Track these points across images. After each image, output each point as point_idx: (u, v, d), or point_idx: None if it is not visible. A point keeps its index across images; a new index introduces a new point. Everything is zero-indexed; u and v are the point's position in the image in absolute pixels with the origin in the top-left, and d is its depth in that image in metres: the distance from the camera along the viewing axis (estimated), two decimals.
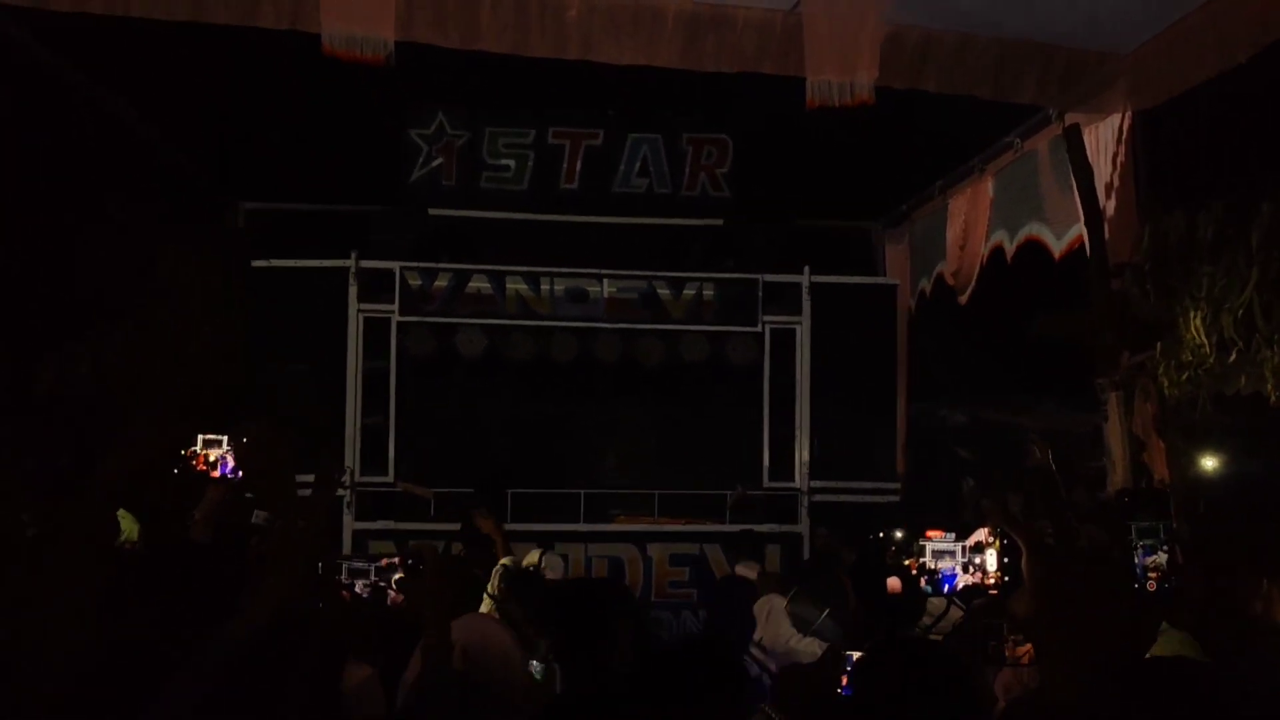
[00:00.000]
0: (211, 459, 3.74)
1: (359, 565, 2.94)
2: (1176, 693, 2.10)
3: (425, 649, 2.52)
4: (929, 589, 1.97)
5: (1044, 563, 1.68)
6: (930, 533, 1.80)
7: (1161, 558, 2.56)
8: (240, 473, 3.84)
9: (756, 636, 5.03)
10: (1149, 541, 2.58)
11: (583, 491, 8.86)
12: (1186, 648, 2.95)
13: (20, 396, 6.78)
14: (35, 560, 2.52)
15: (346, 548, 8.25)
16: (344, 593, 2.95)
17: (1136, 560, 2.52)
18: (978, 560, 1.85)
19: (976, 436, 11.25)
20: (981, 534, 1.83)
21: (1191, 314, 5.10)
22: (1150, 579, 2.55)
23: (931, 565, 1.96)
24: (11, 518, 4.13)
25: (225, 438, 3.91)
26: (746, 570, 6.69)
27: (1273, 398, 5.06)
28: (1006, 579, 1.77)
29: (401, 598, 2.60)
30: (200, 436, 4.05)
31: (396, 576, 2.69)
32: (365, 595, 2.76)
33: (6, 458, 5.74)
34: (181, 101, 7.81)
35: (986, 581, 1.86)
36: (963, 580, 1.91)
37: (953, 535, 1.85)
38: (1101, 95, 6.35)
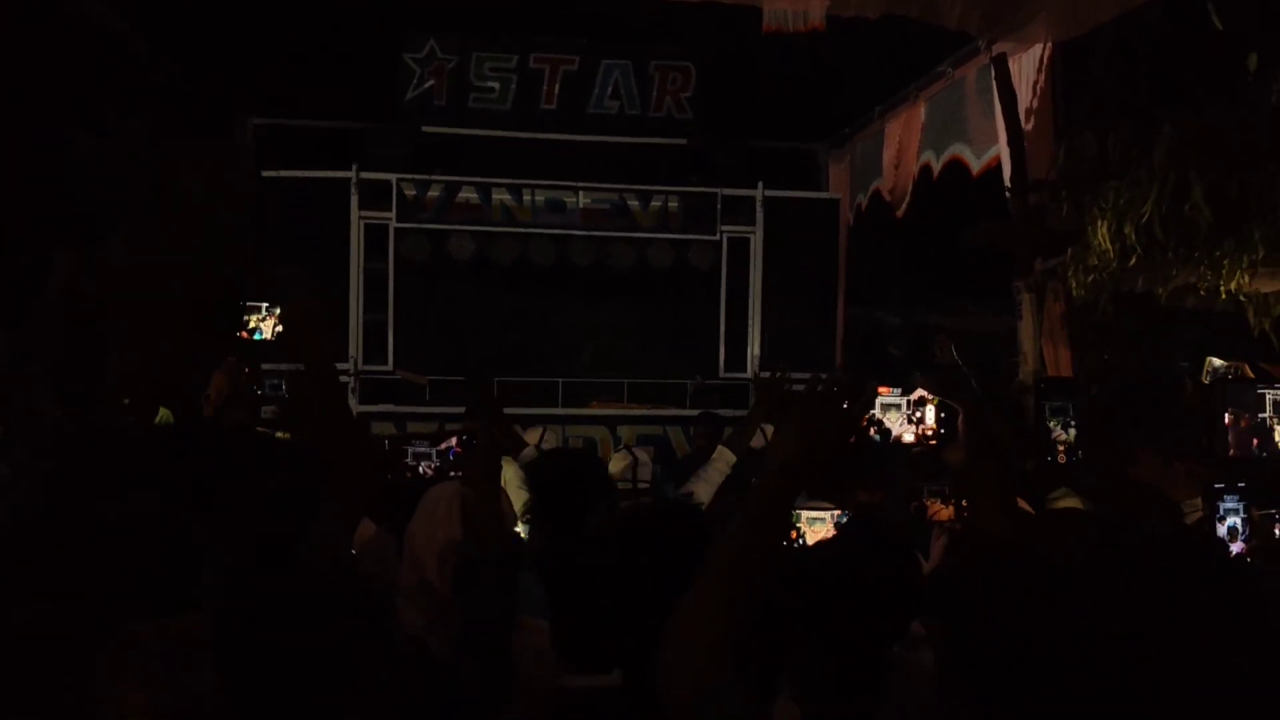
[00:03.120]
0: (252, 325, 3.68)
1: (422, 449, 2.90)
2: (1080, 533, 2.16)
3: (478, 515, 2.49)
4: (878, 438, 1.99)
5: (976, 421, 1.71)
6: (880, 389, 1.81)
7: (1070, 434, 2.61)
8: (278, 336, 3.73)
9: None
10: (1059, 420, 2.63)
11: (560, 380, 8.91)
12: (1080, 505, 3.03)
13: (29, 298, 6.65)
14: None
15: None
16: (408, 473, 2.90)
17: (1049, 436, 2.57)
18: (918, 414, 1.87)
19: (906, 335, 11.33)
20: (923, 391, 1.86)
21: (1100, 223, 5.12)
22: (1059, 452, 2.60)
23: (880, 416, 1.98)
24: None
25: (265, 305, 3.81)
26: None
27: (1163, 298, 5.12)
28: (943, 431, 1.79)
29: (461, 474, 2.58)
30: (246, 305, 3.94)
31: (455, 455, 2.66)
32: (429, 476, 2.73)
33: (19, 357, 5.65)
34: (198, 26, 7.60)
35: (926, 432, 1.88)
36: (907, 431, 1.93)
37: (899, 390, 1.86)
38: (1026, 28, 6.28)
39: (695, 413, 8.36)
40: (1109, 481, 3.01)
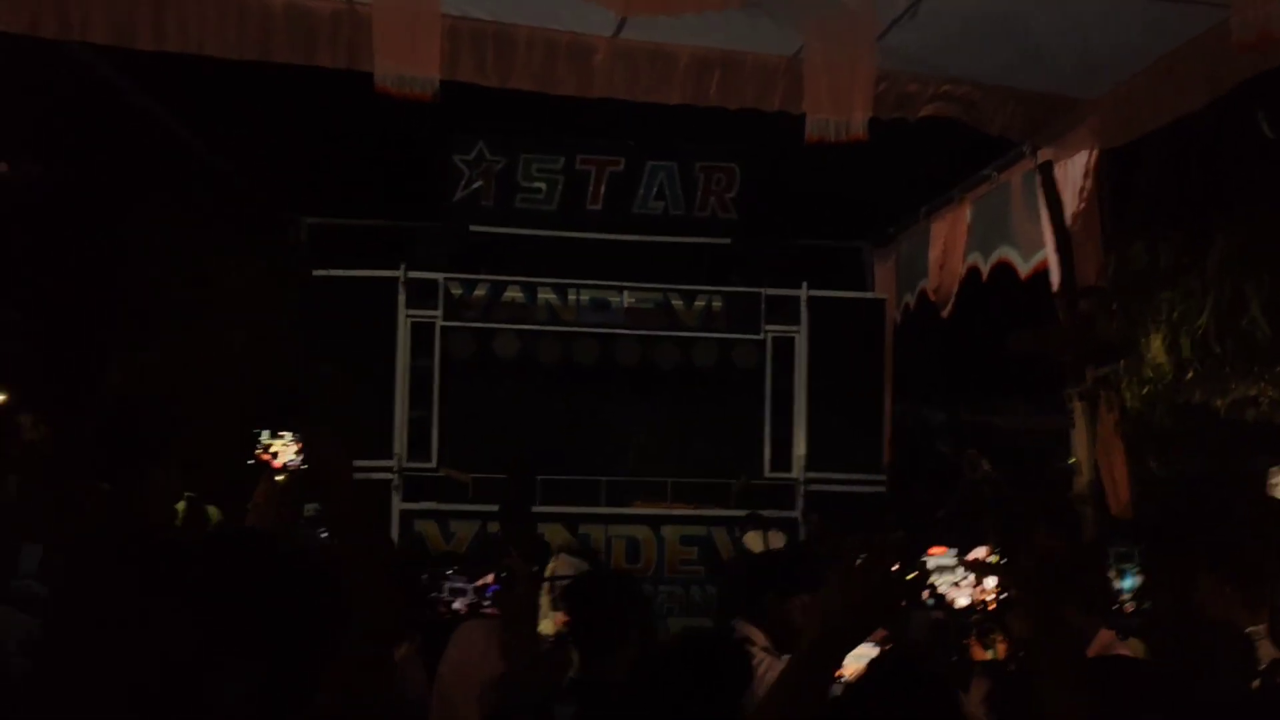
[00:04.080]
0: (274, 451, 3.64)
1: (459, 585, 2.82)
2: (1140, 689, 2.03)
3: (514, 657, 2.43)
4: (931, 603, 1.86)
5: (1035, 590, 1.61)
6: (932, 550, 1.69)
7: (1137, 580, 2.48)
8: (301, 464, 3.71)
9: None
10: (1127, 566, 2.50)
11: (604, 479, 8.82)
12: (1142, 653, 2.87)
13: (88, 395, 6.71)
14: None
15: (394, 527, 8.22)
16: (442, 608, 2.81)
17: (1114, 584, 2.44)
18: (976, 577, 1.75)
19: (954, 433, 11.14)
20: (981, 551, 1.74)
21: (1153, 335, 5.00)
22: (1125, 603, 2.47)
23: (933, 580, 1.84)
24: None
25: (290, 434, 3.80)
26: (752, 542, 6.52)
27: (1222, 410, 4.96)
28: (1004, 596, 1.68)
29: (496, 612, 2.50)
30: (265, 431, 3.95)
31: (492, 590, 2.58)
32: (464, 612, 2.64)
33: (77, 453, 5.68)
34: (253, 127, 7.80)
35: (985, 597, 1.76)
36: (963, 596, 1.81)
37: (954, 551, 1.74)
38: (1072, 134, 6.24)
39: (741, 514, 8.22)
40: (1172, 620, 2.87)
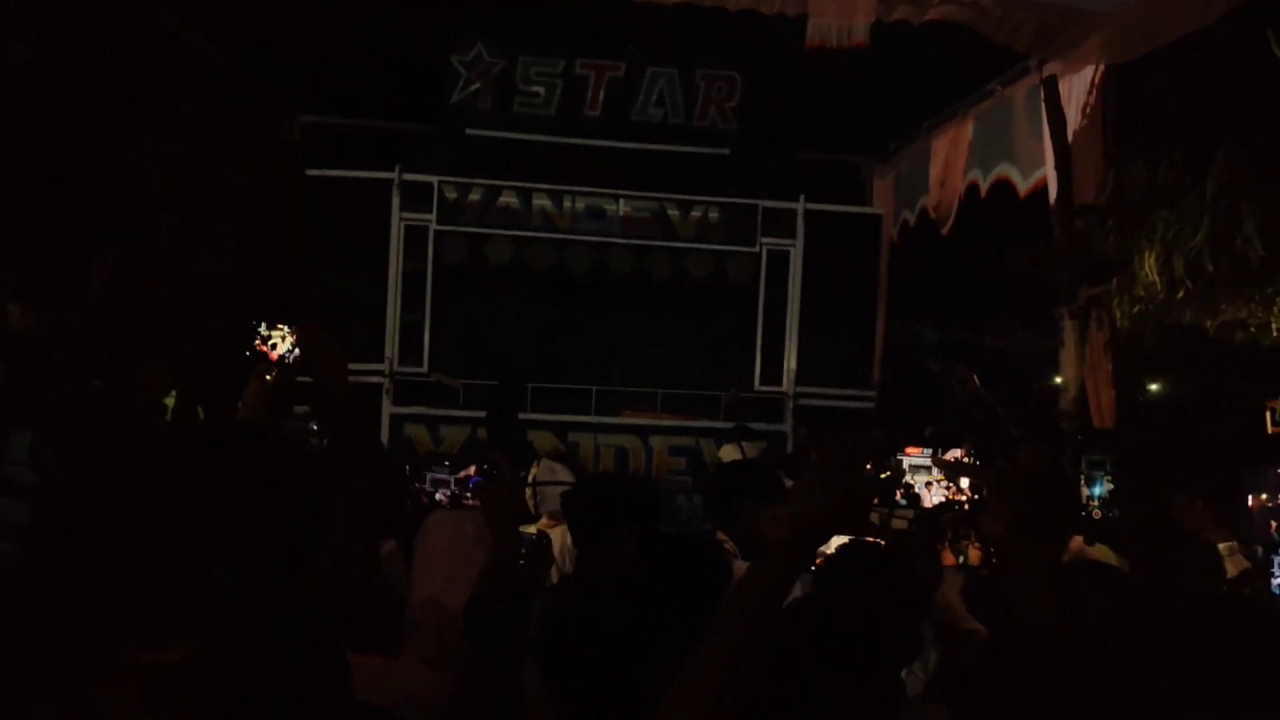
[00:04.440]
0: (273, 342, 3.64)
1: (441, 476, 2.82)
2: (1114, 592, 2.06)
3: (496, 550, 2.44)
4: (904, 502, 1.87)
5: (1008, 502, 1.61)
6: (909, 450, 1.68)
7: (1106, 488, 2.50)
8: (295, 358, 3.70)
9: None
10: (1098, 473, 2.52)
11: (594, 388, 8.84)
12: (1111, 558, 2.91)
13: (80, 287, 6.66)
14: None
15: (384, 431, 8.25)
16: (424, 499, 2.81)
17: (1084, 490, 2.46)
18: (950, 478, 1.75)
19: (945, 352, 11.15)
20: (957, 452, 1.73)
21: (1147, 254, 4.97)
22: (1093, 508, 2.49)
23: (909, 480, 1.86)
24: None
25: (286, 327, 3.78)
26: (729, 454, 6.57)
27: (1211, 331, 4.96)
28: (976, 497, 1.68)
29: (477, 502, 2.50)
30: (263, 324, 3.93)
31: (474, 482, 2.57)
32: (445, 503, 2.64)
33: (71, 345, 5.65)
34: (244, 23, 7.62)
35: (958, 497, 1.76)
36: (937, 495, 1.81)
37: (929, 452, 1.74)
38: (1079, 48, 6.13)
39: (729, 425, 8.27)
40: (1143, 530, 2.90)
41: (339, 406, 2.01)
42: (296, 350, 2.76)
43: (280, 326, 3.32)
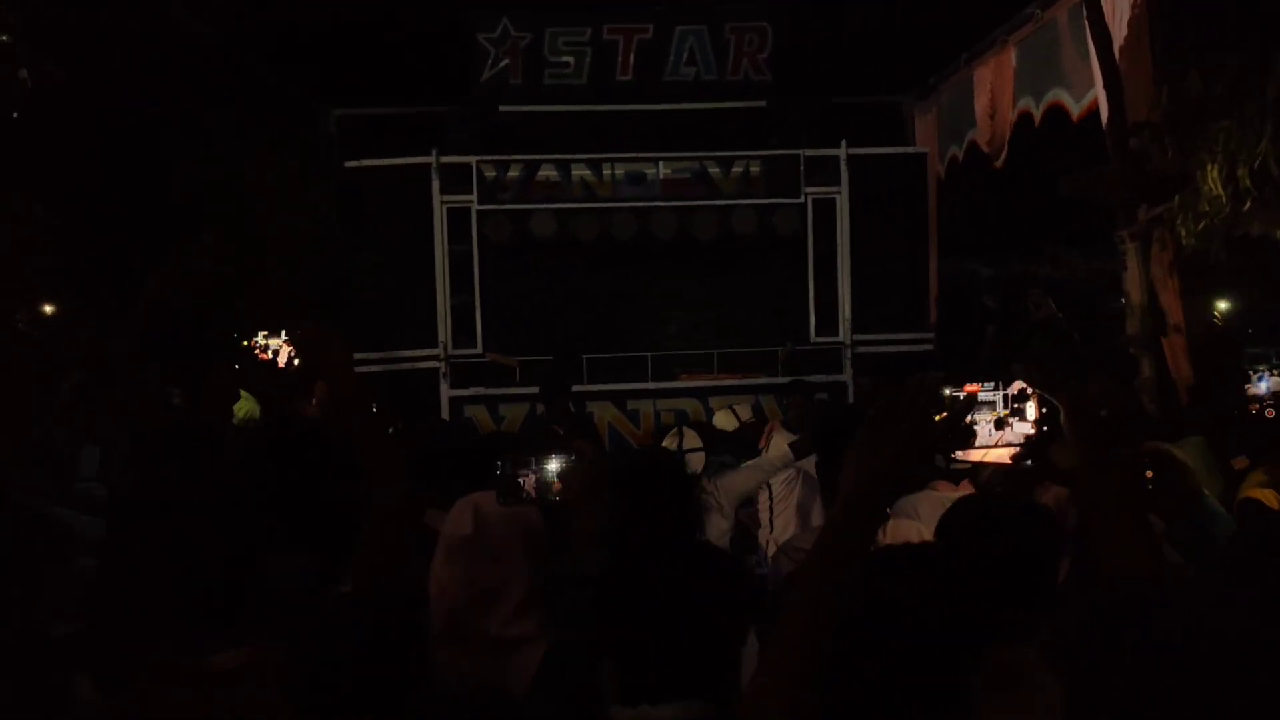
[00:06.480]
0: (271, 350, 3.65)
1: (524, 466, 2.72)
2: None
3: (580, 533, 2.44)
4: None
5: (1085, 421, 1.53)
6: (969, 387, 1.59)
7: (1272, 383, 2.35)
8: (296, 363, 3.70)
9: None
10: (1260, 367, 2.39)
11: (649, 354, 8.79)
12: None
13: (133, 299, 6.75)
14: None
15: (445, 413, 8.29)
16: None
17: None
18: (1018, 411, 1.66)
19: (1002, 286, 10.93)
20: (1019, 384, 1.65)
21: (1209, 167, 4.77)
22: (1266, 407, 2.35)
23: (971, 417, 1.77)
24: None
25: (283, 332, 3.78)
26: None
27: None
28: (1045, 429, 1.59)
29: (560, 485, 2.46)
30: (261, 332, 3.95)
31: (558, 469, 2.52)
32: (531, 493, 2.56)
33: (141, 358, 5.72)
34: (276, 22, 7.64)
35: (1028, 430, 1.69)
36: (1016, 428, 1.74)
37: (992, 385, 1.65)
38: None
39: (786, 380, 8.18)
40: None
41: (350, 399, 1.97)
42: (296, 357, 2.76)
43: (280, 334, 3.34)
